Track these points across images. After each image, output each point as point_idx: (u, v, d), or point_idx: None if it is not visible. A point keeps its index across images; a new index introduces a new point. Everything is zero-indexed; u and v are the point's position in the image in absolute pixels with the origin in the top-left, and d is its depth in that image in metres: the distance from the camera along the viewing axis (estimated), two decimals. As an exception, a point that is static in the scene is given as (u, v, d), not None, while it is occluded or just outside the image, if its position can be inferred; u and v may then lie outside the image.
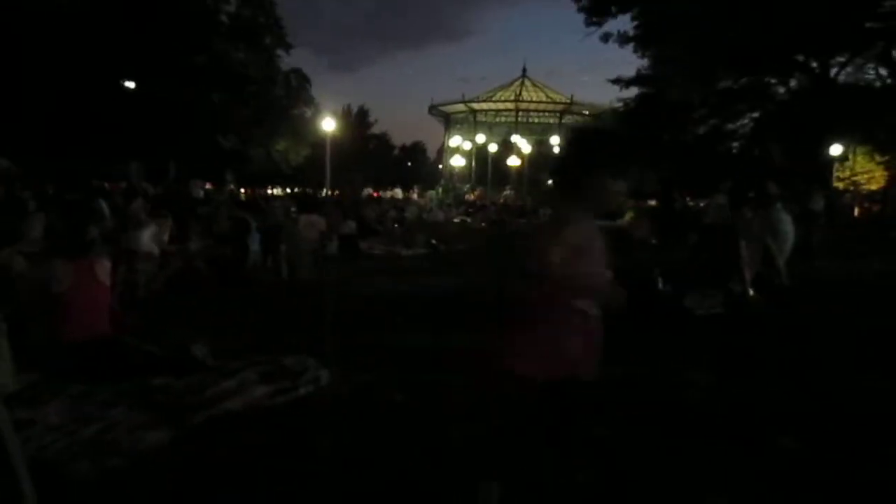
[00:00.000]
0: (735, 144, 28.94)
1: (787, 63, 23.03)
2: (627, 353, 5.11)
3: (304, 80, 39.75)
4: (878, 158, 32.22)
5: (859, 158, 36.67)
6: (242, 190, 33.24)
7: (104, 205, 10.32)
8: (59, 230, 5.69)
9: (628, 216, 28.02)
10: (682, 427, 3.52)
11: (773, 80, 24.85)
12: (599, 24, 22.65)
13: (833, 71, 23.56)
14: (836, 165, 28.80)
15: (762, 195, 8.16)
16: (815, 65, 22.95)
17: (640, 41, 22.95)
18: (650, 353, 5.17)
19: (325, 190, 31.08)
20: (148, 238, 8.52)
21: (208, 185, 26.85)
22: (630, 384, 4.31)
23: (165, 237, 9.13)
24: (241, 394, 3.79)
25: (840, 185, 31.83)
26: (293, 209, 13.28)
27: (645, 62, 24.88)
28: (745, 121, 26.96)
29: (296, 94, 38.88)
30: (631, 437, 3.40)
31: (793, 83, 24.94)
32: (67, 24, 24.83)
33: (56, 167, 23.00)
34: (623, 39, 23.21)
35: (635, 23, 22.38)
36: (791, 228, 8.23)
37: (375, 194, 42.83)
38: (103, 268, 4.69)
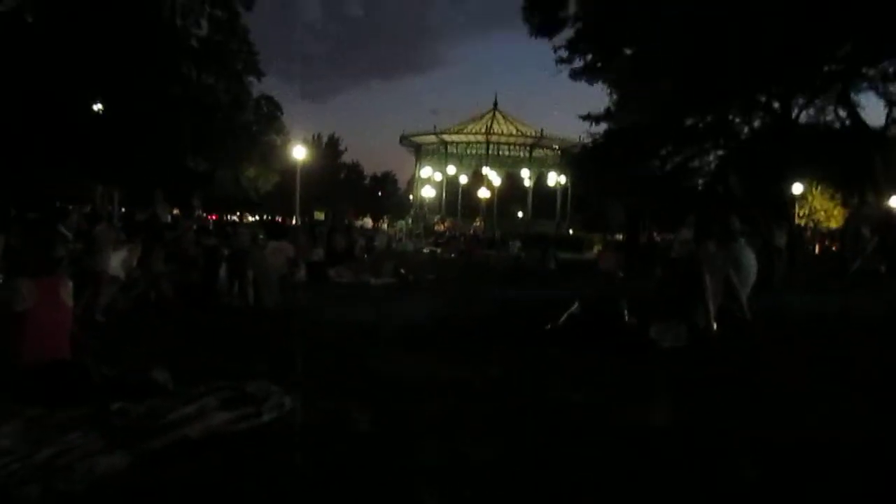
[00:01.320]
0: (700, 181, 29.47)
1: (750, 102, 23.60)
2: (594, 381, 5.16)
3: (275, 107, 39.81)
4: (836, 197, 33.10)
5: (818, 196, 37.63)
6: (212, 216, 32.98)
7: (65, 227, 10.16)
8: (22, 249, 5.59)
9: (596, 249, 28.32)
10: (643, 454, 3.53)
11: (737, 119, 25.44)
12: (569, 62, 23.06)
13: (795, 111, 24.20)
14: (797, 203, 29.50)
15: (726, 229, 8.34)
16: (776, 105, 23.54)
17: (607, 79, 23.40)
18: (615, 382, 5.20)
19: (294, 217, 30.96)
20: (117, 262, 8.41)
21: (175, 210, 26.59)
22: (596, 410, 4.34)
23: (133, 262, 9.02)
24: (201, 420, 3.70)
25: (800, 223, 32.58)
26: (261, 236, 13.19)
27: (614, 98, 25.34)
28: (710, 157, 27.51)
29: (267, 120, 38.89)
30: (599, 461, 3.39)
31: (756, 122, 25.55)
32: (34, 44, 24.60)
33: (19, 187, 22.63)
34: (591, 76, 23.64)
35: (598, 60, 22.85)
36: (754, 263, 8.40)
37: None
38: (67, 288, 4.61)
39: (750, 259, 8.34)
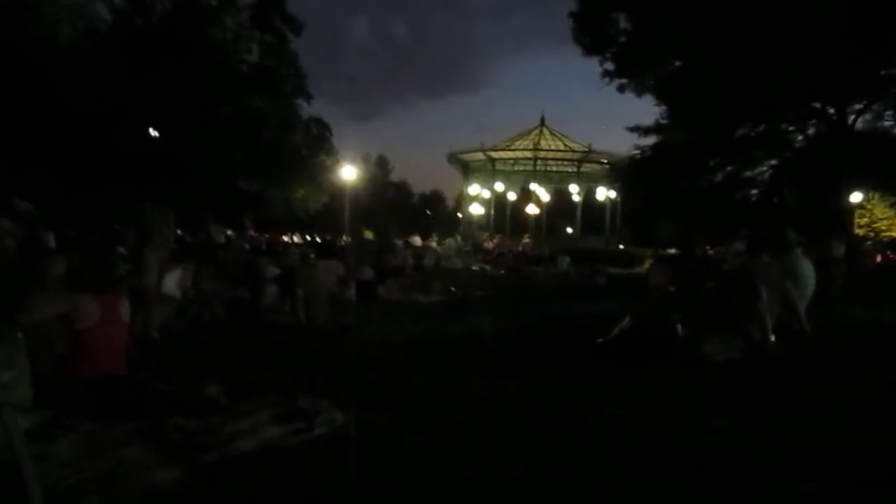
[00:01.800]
0: (753, 192, 28.87)
1: (803, 110, 23.09)
2: (646, 396, 5.06)
3: (324, 128, 40.51)
4: (897, 206, 32.01)
5: (879, 205, 36.44)
6: (266, 235, 33.54)
7: (123, 248, 10.43)
8: (83, 268, 5.75)
9: (646, 264, 27.90)
10: (701, 471, 3.44)
11: (790, 128, 24.87)
12: (616, 76, 22.90)
13: (850, 118, 23.56)
14: (856, 212, 28.59)
15: (781, 240, 8.13)
16: (832, 111, 22.97)
17: (656, 91, 23.13)
18: (669, 397, 5.10)
19: (343, 237, 31.31)
20: (172, 283, 8.61)
21: (229, 231, 27.13)
22: (648, 427, 4.25)
23: (189, 282, 9.23)
24: (254, 434, 3.76)
25: (860, 232, 31.57)
26: (312, 255, 13.36)
27: (662, 110, 25.02)
28: (763, 168, 26.93)
29: (316, 142, 39.54)
30: (648, 481, 3.33)
31: (810, 130, 24.95)
32: (93, 71, 25.52)
33: (76, 210, 23.38)
34: (639, 90, 23.42)
35: (646, 73, 22.62)
36: (812, 274, 8.15)
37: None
38: (125, 306, 4.75)
39: (807, 270, 8.10)
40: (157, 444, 3.62)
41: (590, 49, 22.14)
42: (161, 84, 27.12)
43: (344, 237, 30.65)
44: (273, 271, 10.48)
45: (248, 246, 14.10)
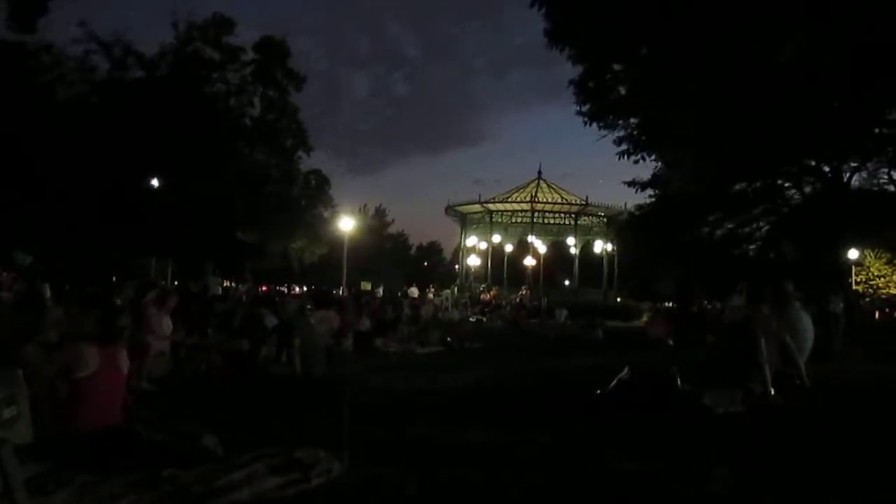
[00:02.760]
0: (751, 247, 29.00)
1: (799, 167, 23.37)
2: (646, 448, 5.01)
3: (323, 181, 40.88)
4: (894, 262, 32.12)
5: (876, 262, 36.59)
6: (264, 288, 33.57)
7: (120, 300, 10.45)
8: (83, 320, 5.75)
9: (644, 317, 27.86)
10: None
11: (786, 184, 25.12)
12: (611, 128, 23.15)
13: (846, 175, 23.82)
14: (853, 269, 28.70)
15: (780, 293, 8.14)
16: (827, 169, 23.25)
17: (650, 147, 23.40)
18: (670, 448, 5.04)
19: (341, 288, 31.29)
20: (165, 333, 8.64)
21: (226, 283, 27.19)
22: (650, 478, 4.19)
23: (168, 324, 9.19)
24: (250, 485, 3.71)
25: (858, 289, 31.59)
26: (308, 306, 13.35)
27: (659, 165, 25.27)
28: (761, 223, 27.11)
29: (315, 194, 39.87)
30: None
31: (807, 188, 25.18)
32: (94, 124, 25.84)
33: (76, 260, 23.43)
34: (635, 144, 23.70)
35: (641, 131, 22.90)
36: (810, 327, 8.15)
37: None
38: (124, 357, 4.74)
39: (806, 323, 8.11)
40: (154, 495, 3.57)
41: (592, 117, 22.41)
42: (163, 137, 27.47)
43: (342, 289, 30.62)
44: (272, 321, 10.45)
45: (249, 298, 14.06)
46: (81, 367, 4.36)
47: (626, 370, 7.00)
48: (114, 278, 21.51)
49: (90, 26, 29.92)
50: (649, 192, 26.36)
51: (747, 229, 27.73)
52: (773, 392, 6.63)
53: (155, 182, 28.28)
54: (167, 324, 9.16)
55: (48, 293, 12.39)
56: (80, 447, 4.14)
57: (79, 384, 4.34)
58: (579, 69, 21.23)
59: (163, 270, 25.49)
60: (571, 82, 21.75)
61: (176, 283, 25.02)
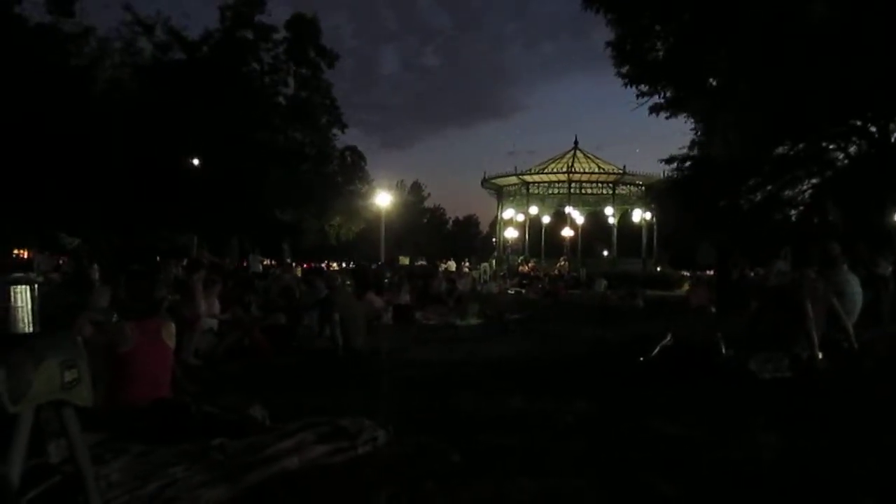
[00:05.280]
0: (793, 212, 28.32)
1: (844, 128, 22.65)
2: (691, 413, 4.97)
3: (359, 157, 40.96)
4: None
5: (926, 223, 35.49)
6: (306, 265, 33.95)
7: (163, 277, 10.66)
8: (125, 296, 5.89)
9: (685, 285, 27.49)
10: (754, 487, 3.36)
11: (831, 146, 24.39)
12: (649, 95, 22.68)
13: (894, 136, 23.05)
14: (902, 231, 27.86)
15: (826, 256, 7.96)
16: (874, 129, 22.50)
17: (689, 110, 22.89)
18: (715, 414, 4.99)
19: (379, 262, 31.49)
20: (205, 306, 8.80)
21: (267, 261, 27.54)
22: (696, 444, 4.16)
23: (216, 305, 9.40)
24: (299, 453, 3.77)
25: (908, 252, 30.70)
26: (348, 282, 13.45)
27: (699, 131, 24.71)
28: (804, 187, 26.43)
29: (351, 171, 40.00)
30: (701, 497, 3.25)
31: (852, 148, 24.44)
32: (135, 106, 26.19)
33: (121, 242, 23.93)
34: (673, 109, 23.21)
35: (681, 93, 22.36)
36: (859, 290, 7.96)
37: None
38: (169, 330, 4.82)
39: (855, 287, 7.92)
40: (204, 464, 3.65)
41: (632, 79, 21.93)
42: (201, 117, 27.76)
43: (381, 263, 30.79)
44: (323, 291, 10.57)
45: (295, 275, 14.22)
46: (123, 342, 4.46)
47: (668, 337, 6.94)
48: (157, 257, 21.95)
49: (134, 9, 30.22)
50: (689, 163, 25.83)
51: (789, 193, 27.05)
52: (820, 356, 6.51)
53: (195, 162, 28.66)
54: (214, 302, 9.37)
55: (97, 273, 12.70)
56: (133, 419, 4.25)
57: (123, 359, 4.44)
58: (615, 33, 20.79)
59: (203, 249, 25.90)
60: (609, 44, 21.33)
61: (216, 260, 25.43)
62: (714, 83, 19.62)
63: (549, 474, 3.55)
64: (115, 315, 5.94)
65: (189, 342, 8.07)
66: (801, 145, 23.67)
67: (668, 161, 25.83)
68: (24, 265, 21.54)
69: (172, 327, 4.93)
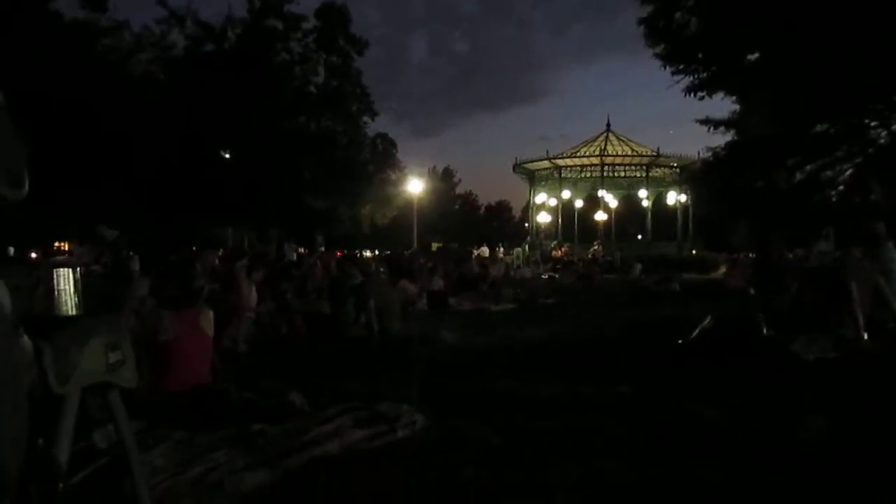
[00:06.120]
0: (833, 192, 27.70)
1: (885, 104, 22.03)
2: (735, 397, 4.89)
3: (390, 144, 40.96)
4: None
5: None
6: (338, 252, 34.20)
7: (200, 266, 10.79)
8: (163, 286, 5.96)
9: (721, 268, 27.13)
10: (801, 469, 3.28)
11: (872, 123, 23.75)
12: (684, 73, 22.24)
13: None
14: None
15: (871, 235, 7.76)
16: (917, 106, 21.85)
17: (724, 87, 22.41)
18: (759, 397, 4.90)
19: (412, 249, 31.55)
20: (248, 294, 8.89)
21: (301, 250, 27.75)
22: (740, 427, 4.09)
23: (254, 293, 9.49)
24: (338, 437, 3.79)
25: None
26: (382, 269, 13.49)
27: (735, 109, 24.23)
28: (845, 166, 25.82)
29: (382, 158, 40.04)
30: (747, 480, 3.19)
31: (894, 126, 23.77)
32: (168, 98, 26.48)
33: (159, 234, 24.30)
34: (709, 88, 22.76)
35: (718, 70, 21.89)
36: (905, 270, 7.75)
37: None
38: (207, 318, 4.87)
39: (901, 266, 7.71)
40: (246, 449, 3.68)
41: (668, 58, 21.50)
42: (233, 108, 27.98)
43: (413, 250, 30.84)
44: (351, 283, 10.61)
45: (330, 262, 14.27)
46: (163, 331, 4.52)
47: (708, 319, 6.83)
48: (194, 248, 22.23)
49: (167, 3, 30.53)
50: (722, 138, 25.40)
51: (829, 173, 26.44)
52: (866, 337, 6.36)
53: (227, 154, 28.97)
54: (253, 292, 9.45)
55: (137, 265, 12.89)
56: (174, 406, 4.31)
57: (163, 348, 4.50)
58: (647, 10, 20.45)
59: (240, 238, 26.17)
60: (641, 21, 20.97)
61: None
62: (751, 59, 19.17)
63: (591, 458, 3.51)
64: (150, 304, 6.02)
65: (236, 329, 8.20)
66: (841, 123, 23.10)
67: (705, 122, 25.18)
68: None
69: (211, 315, 4.98)
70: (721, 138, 25.46)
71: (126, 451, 2.17)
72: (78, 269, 2.05)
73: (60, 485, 1.69)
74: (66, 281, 2.00)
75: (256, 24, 32.41)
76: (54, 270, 1.99)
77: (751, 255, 26.38)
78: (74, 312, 2.02)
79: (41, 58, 21.01)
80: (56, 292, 1.97)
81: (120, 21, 28.31)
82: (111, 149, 23.26)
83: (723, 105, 24.52)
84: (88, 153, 22.58)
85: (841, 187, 27.30)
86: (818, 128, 23.17)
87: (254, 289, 9.57)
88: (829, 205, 26.78)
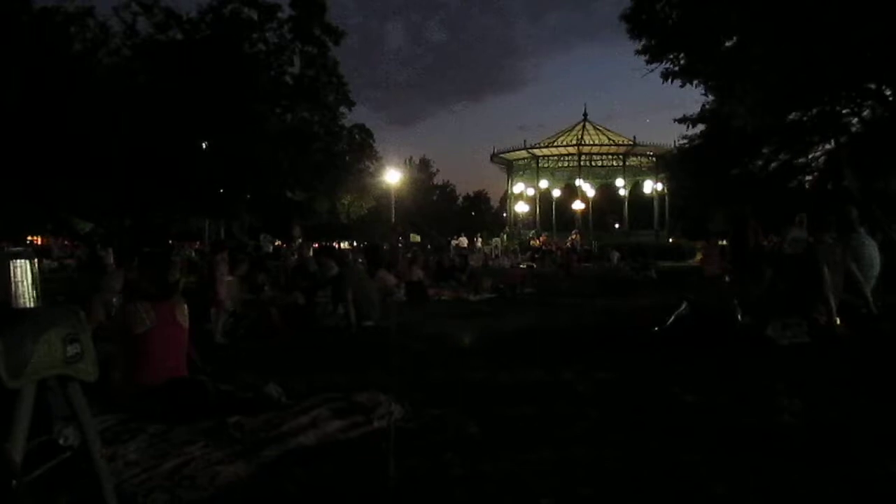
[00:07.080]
0: (808, 178, 28.05)
1: (858, 91, 22.30)
2: (709, 381, 4.93)
3: (367, 134, 40.73)
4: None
5: (942, 188, 34.99)
6: (315, 245, 34.05)
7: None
8: (139, 277, 5.87)
9: (698, 256, 27.39)
10: (776, 451, 3.32)
11: (844, 110, 24.05)
12: (658, 62, 22.36)
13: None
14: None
15: (843, 220, 7.85)
16: (889, 93, 22.13)
17: (700, 76, 22.58)
18: (733, 381, 4.95)
19: (390, 241, 31.46)
20: (228, 288, 8.83)
21: (278, 242, 27.56)
22: (716, 410, 4.12)
23: (238, 291, 9.44)
24: (314, 429, 3.77)
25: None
26: (360, 260, 13.42)
27: (708, 98, 24.46)
28: (818, 153, 26.16)
29: (359, 148, 39.83)
30: (723, 462, 3.22)
31: (866, 113, 24.07)
32: (141, 91, 26.11)
33: (134, 226, 24.03)
34: (684, 76, 22.89)
35: (692, 58, 22.04)
36: (877, 255, 7.86)
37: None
38: (182, 311, 4.81)
39: (872, 251, 7.81)
40: (221, 442, 3.65)
41: (652, 52, 21.58)
42: (207, 99, 27.67)
43: (391, 241, 30.76)
44: (335, 270, 10.53)
45: (295, 256, 14.17)
46: (138, 323, 4.45)
47: (684, 305, 6.87)
48: (170, 241, 22.03)
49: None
50: (700, 127, 25.62)
51: (803, 160, 26.79)
52: (838, 322, 6.44)
53: (203, 145, 28.66)
54: (234, 284, 9.38)
55: (111, 258, 12.74)
56: (150, 400, 4.26)
57: (138, 340, 4.44)
58: (625, 5, 20.54)
59: (217, 230, 25.98)
60: (623, 17, 21.06)
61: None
62: (728, 46, 19.33)
63: (569, 444, 3.51)
64: (121, 298, 5.92)
65: (216, 321, 8.14)
66: (814, 110, 23.36)
67: (682, 121, 25.45)
68: (41, 252, 21.70)
69: (186, 308, 4.92)
70: (696, 127, 25.71)
71: (88, 448, 2.12)
72: (34, 260, 2.00)
73: (14, 482, 1.65)
74: (23, 273, 1.94)
75: (230, 12, 32.02)
76: (10, 262, 1.93)
77: (724, 241, 26.65)
78: (32, 305, 1.96)
79: (7, 47, 20.63)
80: (13, 284, 1.91)
81: (86, 7, 27.86)
82: (81, 140, 22.91)
83: (696, 93, 24.65)
84: (57, 144, 22.22)
85: (815, 174, 27.66)
86: (793, 115, 23.43)
87: (235, 281, 9.51)
88: (803, 191, 27.13)
